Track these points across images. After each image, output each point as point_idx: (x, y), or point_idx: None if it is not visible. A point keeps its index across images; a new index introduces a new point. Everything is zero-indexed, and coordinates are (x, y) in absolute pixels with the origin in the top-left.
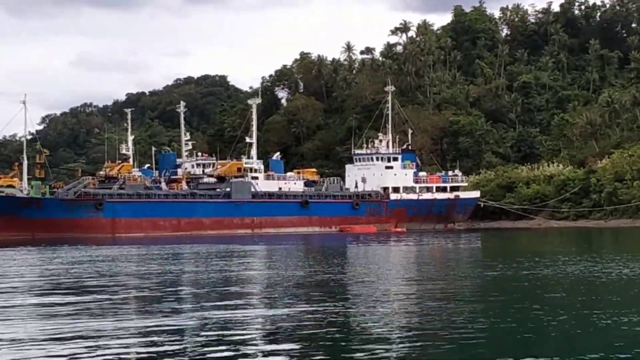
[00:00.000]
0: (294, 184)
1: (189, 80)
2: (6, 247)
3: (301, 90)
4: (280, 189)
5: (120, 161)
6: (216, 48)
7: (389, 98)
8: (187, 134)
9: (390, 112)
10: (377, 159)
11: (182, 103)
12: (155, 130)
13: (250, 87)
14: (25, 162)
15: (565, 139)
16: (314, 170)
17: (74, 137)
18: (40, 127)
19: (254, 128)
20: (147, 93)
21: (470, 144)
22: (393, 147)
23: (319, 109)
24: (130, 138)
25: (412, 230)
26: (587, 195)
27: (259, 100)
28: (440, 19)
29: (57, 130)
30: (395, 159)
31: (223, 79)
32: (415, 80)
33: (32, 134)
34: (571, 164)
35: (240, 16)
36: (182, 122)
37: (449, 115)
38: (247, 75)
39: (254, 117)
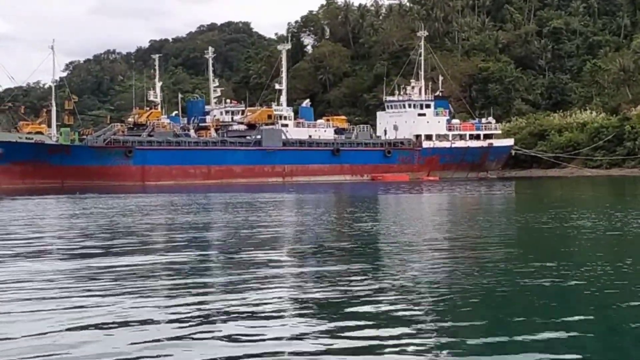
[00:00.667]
0: (324, 131)
1: (212, 27)
2: (36, 195)
3: (327, 37)
4: (310, 136)
5: (148, 108)
6: None
7: (422, 44)
8: (216, 80)
9: (422, 58)
10: (410, 105)
11: (210, 49)
12: (179, 77)
13: (276, 34)
14: (53, 109)
15: (598, 85)
16: (344, 117)
17: (97, 84)
18: (64, 74)
19: (284, 74)
20: (171, 40)
21: (499, 91)
22: (425, 94)
23: (346, 55)
24: (158, 84)
25: (444, 179)
26: (621, 143)
27: (288, 46)
28: None
29: (80, 77)
30: (428, 106)
31: (246, 25)
32: (443, 26)
33: (56, 80)
34: (604, 111)
35: None
36: (211, 68)
37: (477, 61)
38: (270, 22)
39: (284, 63)
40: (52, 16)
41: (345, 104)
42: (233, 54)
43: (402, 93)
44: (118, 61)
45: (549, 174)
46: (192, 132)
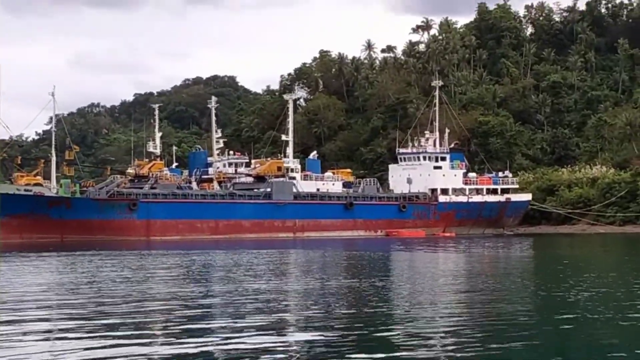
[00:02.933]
0: (332, 184)
1: (197, 81)
2: (34, 252)
3: (321, 90)
4: (318, 189)
5: (147, 159)
6: (216, 49)
7: (436, 94)
8: (219, 131)
9: (436, 108)
10: (425, 158)
11: (214, 99)
12: (165, 130)
13: (268, 87)
14: (53, 159)
15: (603, 140)
16: (349, 170)
17: (82, 137)
18: (47, 127)
19: (290, 125)
20: (155, 93)
21: (500, 145)
22: (440, 145)
23: (340, 108)
24: (158, 135)
25: (460, 235)
26: (635, 199)
27: (295, 95)
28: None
29: (64, 130)
30: (444, 159)
31: (232, 79)
32: (439, 79)
33: (39, 134)
34: (612, 166)
35: (239, 16)
36: (214, 119)
37: (476, 115)
38: (253, 77)
39: (290, 113)
40: (29, 69)
41: (340, 157)
42: (219, 107)
43: (415, 145)
44: (102, 114)
45: (559, 231)
46: (194, 185)
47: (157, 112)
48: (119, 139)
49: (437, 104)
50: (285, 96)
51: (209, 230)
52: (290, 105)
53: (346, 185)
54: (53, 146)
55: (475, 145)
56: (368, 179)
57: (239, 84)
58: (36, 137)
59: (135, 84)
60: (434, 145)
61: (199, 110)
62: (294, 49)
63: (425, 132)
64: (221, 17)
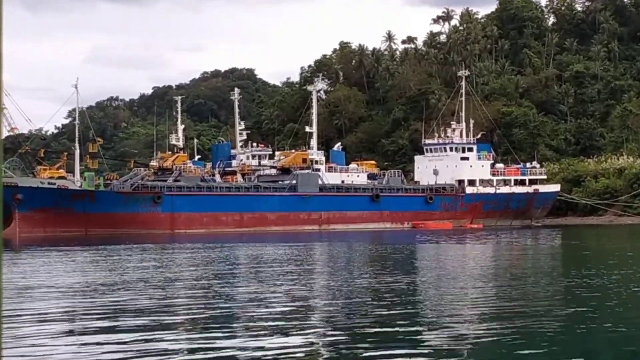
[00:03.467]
0: (357, 176)
1: (215, 74)
2: (60, 246)
3: (341, 81)
4: (343, 182)
5: (170, 152)
6: (232, 43)
7: (463, 84)
8: (242, 123)
9: (462, 99)
10: (451, 149)
11: (237, 90)
12: (184, 123)
13: (288, 79)
14: (77, 152)
15: (629, 130)
16: (373, 162)
17: (101, 131)
18: (66, 121)
19: (314, 116)
20: (174, 87)
21: (524, 136)
22: (467, 136)
23: (361, 100)
24: (181, 128)
25: (488, 227)
26: None
27: (319, 86)
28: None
29: (84, 124)
30: (471, 150)
31: (250, 72)
32: (460, 70)
33: (58, 127)
34: (639, 156)
35: (254, 10)
36: (237, 110)
37: (499, 106)
38: (267, 69)
39: (314, 104)
40: (46, 65)
41: (362, 149)
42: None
43: (441, 136)
44: (121, 108)
45: (586, 222)
46: (217, 177)
47: (179, 104)
48: (138, 132)
49: (463, 94)
50: (309, 87)
51: (233, 224)
52: (314, 96)
53: (371, 177)
54: (77, 139)
55: (498, 136)
56: (392, 171)
57: (257, 77)
58: (55, 131)
59: (151, 79)
60: (461, 136)
61: (218, 103)
62: (311, 42)
63: (452, 122)
64: (236, 11)
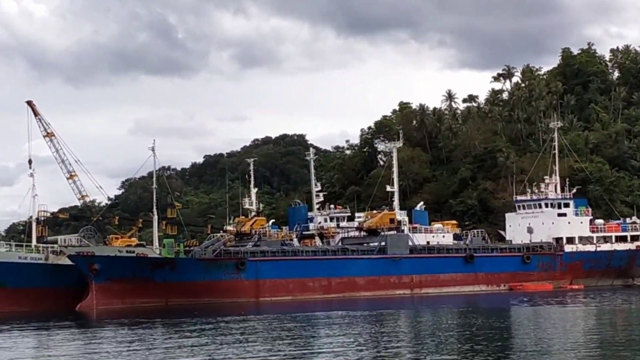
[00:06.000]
0: (442, 237)
1: (267, 141)
2: (139, 320)
3: (403, 142)
4: (428, 242)
5: (244, 216)
6: (274, 110)
7: (555, 135)
8: (318, 184)
9: (555, 152)
10: (547, 205)
11: (312, 151)
12: (236, 191)
13: (347, 141)
14: (155, 217)
15: None
16: (454, 222)
17: (156, 200)
18: (119, 192)
19: (395, 175)
20: (225, 154)
21: (600, 193)
22: (563, 191)
23: (425, 160)
24: (254, 191)
25: (589, 287)
26: None
27: (399, 144)
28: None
29: (137, 194)
30: (567, 205)
31: (302, 137)
32: (526, 127)
33: (111, 198)
34: None
35: (294, 78)
36: (312, 171)
37: (570, 162)
38: (313, 135)
39: (395, 162)
40: (90, 138)
41: (428, 210)
42: (290, 167)
43: (536, 191)
44: (173, 177)
45: None
46: (295, 241)
47: (251, 166)
48: (192, 201)
49: (556, 147)
50: (389, 145)
51: (321, 289)
52: (395, 154)
53: (456, 237)
54: (154, 205)
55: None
56: (475, 230)
57: (309, 142)
58: (108, 202)
59: (195, 148)
60: (555, 191)
61: (270, 170)
62: (357, 106)
63: (545, 177)
64: (277, 80)
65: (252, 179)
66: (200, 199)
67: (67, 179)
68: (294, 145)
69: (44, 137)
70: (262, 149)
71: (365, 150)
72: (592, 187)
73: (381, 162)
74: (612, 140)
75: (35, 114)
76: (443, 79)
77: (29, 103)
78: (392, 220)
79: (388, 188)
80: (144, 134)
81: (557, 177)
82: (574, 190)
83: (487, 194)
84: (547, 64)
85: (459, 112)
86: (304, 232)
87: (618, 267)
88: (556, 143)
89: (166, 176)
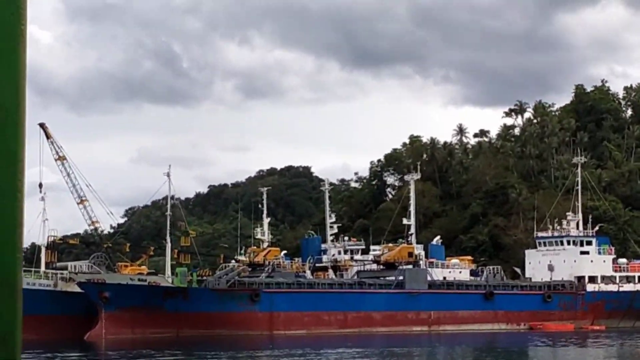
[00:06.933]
0: (459, 272)
1: (271, 172)
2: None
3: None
4: (444, 278)
5: (255, 247)
6: (276, 142)
7: (579, 171)
8: (332, 215)
9: (579, 187)
10: (569, 242)
11: (327, 182)
12: (242, 221)
13: (356, 174)
14: (168, 245)
15: None
16: (470, 257)
17: (158, 230)
18: (122, 221)
19: (412, 208)
20: (230, 185)
21: (614, 232)
22: (585, 229)
23: (435, 194)
24: (266, 221)
25: (610, 329)
26: None
27: (417, 176)
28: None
29: (140, 223)
30: (589, 243)
31: (307, 169)
32: (538, 164)
33: (113, 227)
34: None
35: (298, 110)
36: (327, 202)
37: (583, 201)
38: (316, 167)
39: (412, 195)
40: (93, 166)
41: None
42: (294, 199)
43: (558, 228)
44: (177, 206)
45: None
46: (308, 273)
47: (265, 196)
48: (195, 231)
49: (579, 183)
50: (406, 177)
51: (336, 324)
52: (412, 186)
53: (473, 273)
54: (168, 231)
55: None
56: (492, 267)
57: (314, 174)
58: (111, 231)
59: (197, 178)
60: (577, 228)
61: (275, 201)
62: (348, 142)
63: (567, 213)
64: (280, 111)
65: (264, 208)
66: (204, 229)
67: (78, 203)
68: (299, 177)
69: (56, 160)
70: (267, 180)
71: (374, 183)
72: (606, 226)
73: (390, 196)
74: (625, 179)
75: (48, 136)
76: (447, 115)
77: (42, 125)
78: (410, 254)
79: (405, 221)
80: (146, 162)
81: (580, 214)
82: (597, 228)
83: (498, 230)
84: (553, 101)
85: (469, 146)
86: (317, 264)
87: None
88: (579, 179)
89: (171, 205)
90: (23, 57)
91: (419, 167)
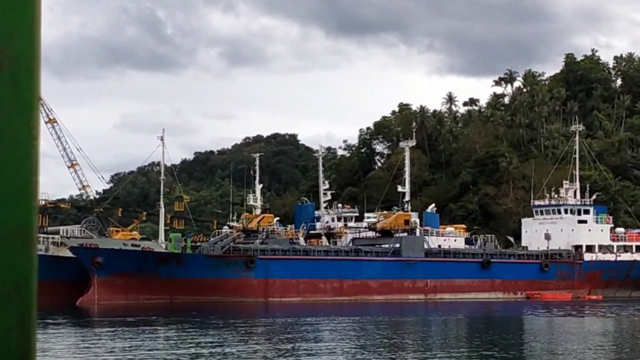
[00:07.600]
0: (454, 240)
1: (258, 139)
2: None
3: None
4: (439, 246)
5: (247, 212)
6: (261, 109)
7: (577, 139)
8: (326, 182)
9: (576, 155)
10: (566, 211)
11: (321, 149)
12: (225, 189)
13: (345, 141)
14: (162, 210)
15: None
16: (463, 226)
17: (143, 196)
18: (108, 187)
19: (407, 175)
20: (216, 152)
21: (604, 201)
22: (582, 197)
23: (424, 163)
24: (259, 187)
25: (607, 299)
26: None
27: (412, 143)
28: (482, 82)
29: (126, 189)
30: (587, 212)
31: (293, 137)
32: (528, 133)
33: (100, 193)
34: None
35: (283, 77)
36: (321, 168)
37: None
38: (303, 135)
39: (407, 162)
40: (76, 132)
41: None
42: (281, 166)
43: (555, 196)
44: (167, 172)
45: None
46: (301, 240)
47: (257, 162)
48: (190, 196)
49: (577, 151)
50: (401, 144)
51: (332, 291)
52: (407, 153)
53: (467, 241)
54: (161, 196)
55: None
56: (488, 236)
57: (300, 142)
58: (97, 197)
59: (182, 145)
60: (575, 196)
61: (261, 169)
62: (347, 107)
63: (565, 182)
64: (265, 79)
65: (257, 174)
66: (190, 195)
67: (69, 167)
68: (285, 144)
69: (46, 123)
70: (253, 147)
71: (363, 151)
72: (597, 196)
73: (379, 164)
74: (615, 149)
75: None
76: (433, 83)
77: None
78: (406, 222)
79: (399, 188)
80: (129, 129)
81: (577, 183)
82: (594, 197)
83: (488, 199)
84: (551, 68)
85: (459, 115)
86: (311, 231)
87: (637, 278)
88: (577, 147)
89: (156, 172)
90: (38, 4)
91: (413, 134)
